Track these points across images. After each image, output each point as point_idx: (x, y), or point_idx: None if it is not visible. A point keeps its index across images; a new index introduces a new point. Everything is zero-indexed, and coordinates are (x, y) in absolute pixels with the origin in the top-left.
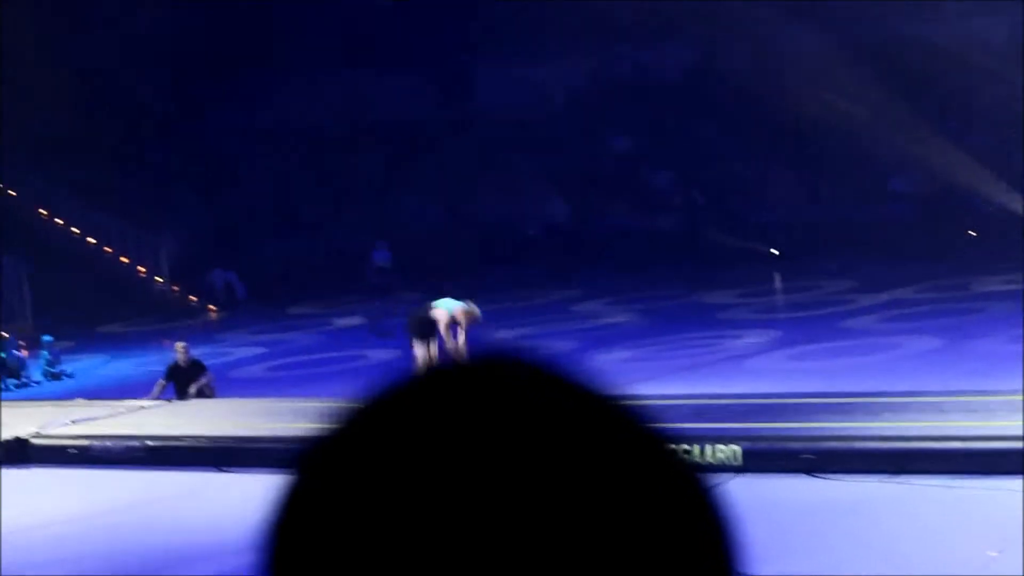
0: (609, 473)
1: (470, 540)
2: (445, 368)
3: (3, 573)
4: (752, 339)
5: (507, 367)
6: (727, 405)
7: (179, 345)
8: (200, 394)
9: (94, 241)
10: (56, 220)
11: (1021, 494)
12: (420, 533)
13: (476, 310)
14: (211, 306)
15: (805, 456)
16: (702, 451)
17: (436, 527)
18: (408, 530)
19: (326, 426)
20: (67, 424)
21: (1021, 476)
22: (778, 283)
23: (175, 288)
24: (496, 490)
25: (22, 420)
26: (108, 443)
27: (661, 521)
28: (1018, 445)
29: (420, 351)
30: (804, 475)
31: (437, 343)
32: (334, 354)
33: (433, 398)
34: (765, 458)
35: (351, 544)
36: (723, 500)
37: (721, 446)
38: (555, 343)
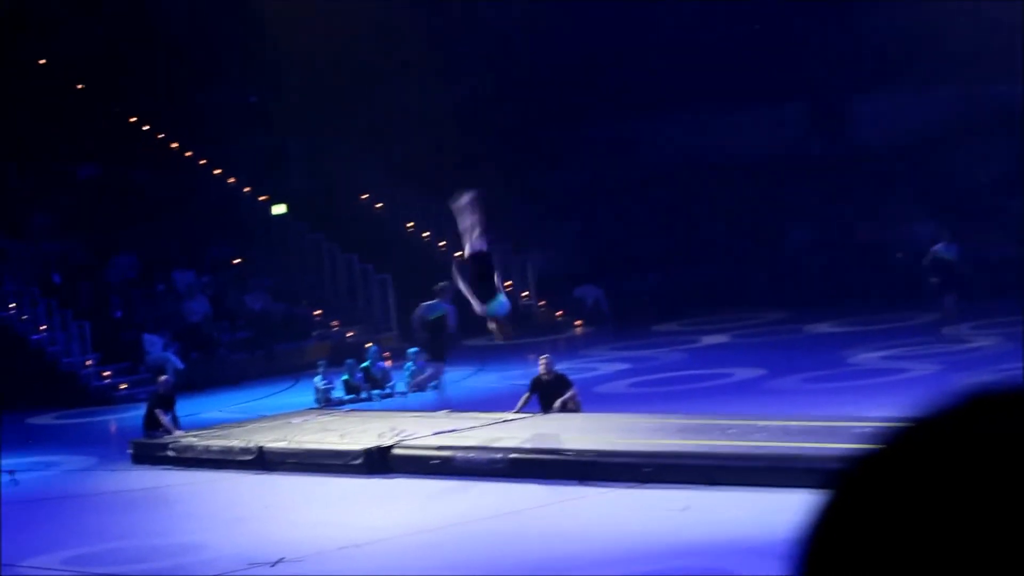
0: None
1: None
2: (986, 393)
3: None
4: None
5: None
6: None
7: (543, 359)
8: (564, 408)
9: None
10: (423, 234)
11: None
12: (967, 557)
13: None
14: (577, 322)
15: None
16: None
17: (981, 553)
18: (955, 553)
19: (869, 445)
20: (430, 435)
21: None
22: None
23: (541, 303)
24: None
25: (385, 430)
26: (470, 454)
27: None
28: None
29: None
30: None
31: None
32: (699, 372)
33: (981, 422)
34: None
35: (893, 565)
36: None
37: None
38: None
